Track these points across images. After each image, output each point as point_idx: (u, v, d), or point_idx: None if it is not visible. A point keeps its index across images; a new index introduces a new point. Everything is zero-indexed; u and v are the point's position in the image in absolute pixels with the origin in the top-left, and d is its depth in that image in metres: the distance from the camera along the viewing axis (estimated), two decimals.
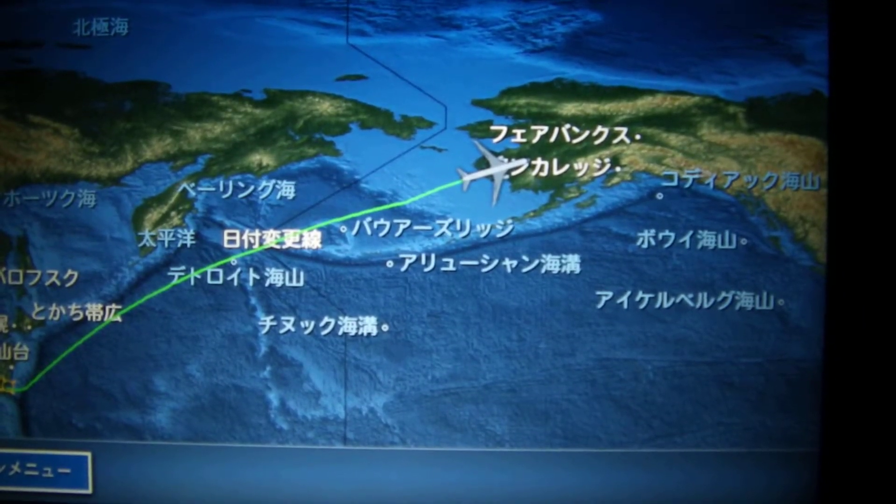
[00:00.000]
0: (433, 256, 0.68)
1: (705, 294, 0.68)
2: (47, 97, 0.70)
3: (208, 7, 0.69)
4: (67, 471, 0.70)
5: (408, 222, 0.68)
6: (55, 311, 0.70)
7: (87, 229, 0.69)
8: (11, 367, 0.70)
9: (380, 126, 0.68)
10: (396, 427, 0.69)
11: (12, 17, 0.70)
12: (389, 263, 0.68)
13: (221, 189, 0.69)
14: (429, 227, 0.68)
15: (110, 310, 0.69)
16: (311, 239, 0.68)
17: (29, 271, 0.70)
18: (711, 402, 0.69)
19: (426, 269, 0.68)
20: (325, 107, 0.68)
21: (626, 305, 0.68)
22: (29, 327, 0.70)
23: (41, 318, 0.70)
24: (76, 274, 0.69)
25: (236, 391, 0.69)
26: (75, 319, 0.69)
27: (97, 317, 0.69)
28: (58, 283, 0.69)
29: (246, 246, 0.69)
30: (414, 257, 0.68)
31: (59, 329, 0.70)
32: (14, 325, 0.70)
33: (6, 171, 0.70)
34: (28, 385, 0.70)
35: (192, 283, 0.69)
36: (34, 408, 0.70)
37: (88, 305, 0.69)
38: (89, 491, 0.70)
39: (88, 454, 0.70)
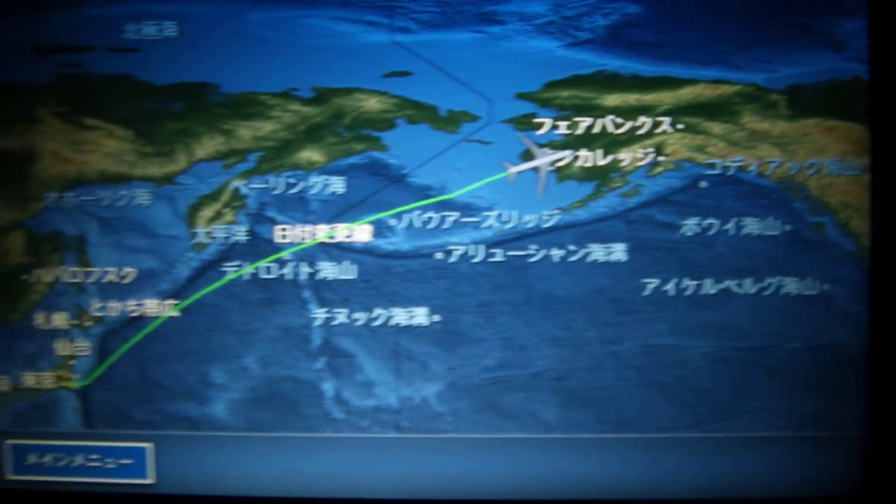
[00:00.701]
0: (481, 248, 0.72)
1: (750, 280, 0.71)
2: (100, 100, 0.74)
3: (254, 8, 0.73)
4: (130, 461, 0.74)
5: (456, 214, 0.72)
6: (114, 308, 0.74)
7: (142, 227, 0.74)
8: (73, 362, 0.75)
9: (426, 121, 0.72)
10: (448, 415, 0.73)
11: (63, 23, 0.74)
12: (438, 255, 0.72)
13: (272, 186, 0.73)
14: (476, 219, 0.72)
15: (167, 305, 0.74)
16: (361, 233, 0.73)
17: (88, 269, 0.74)
18: (757, 386, 0.72)
19: (475, 261, 0.72)
20: (372, 103, 0.72)
21: (671, 293, 0.72)
22: (89, 323, 0.75)
23: (101, 314, 0.75)
24: (133, 271, 0.74)
25: (291, 382, 0.73)
26: (134, 315, 0.74)
27: (155, 312, 0.74)
28: (116, 280, 0.74)
29: (298, 241, 0.73)
30: (462, 249, 0.72)
31: (118, 324, 0.75)
32: (75, 322, 0.75)
33: (63, 172, 0.74)
34: (90, 379, 0.75)
35: (246, 277, 0.73)
36: (96, 401, 0.75)
37: (146, 301, 0.74)
38: (152, 480, 0.75)
39: (151, 445, 0.74)
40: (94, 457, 0.75)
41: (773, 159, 0.71)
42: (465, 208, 0.72)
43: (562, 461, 0.72)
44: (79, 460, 0.75)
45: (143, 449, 0.75)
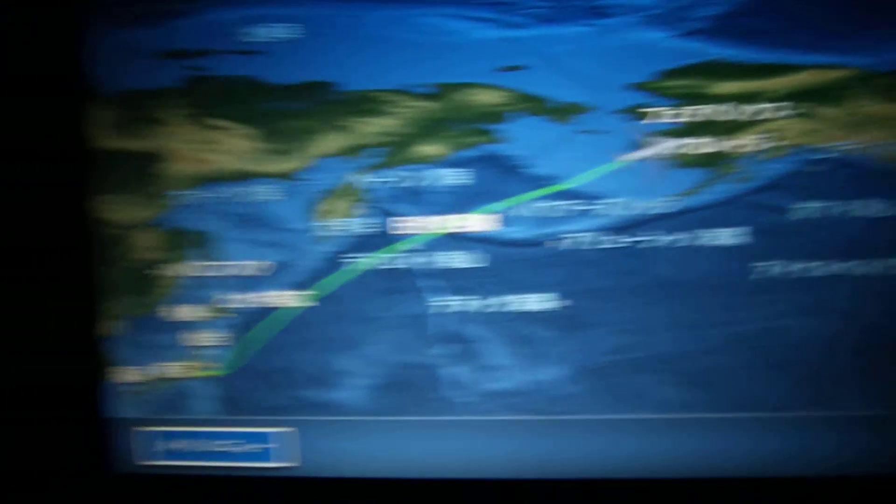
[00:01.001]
0: (598, 235, 0.75)
1: (862, 262, 0.73)
2: (225, 101, 0.79)
3: (371, 8, 0.76)
4: (276, 445, 0.80)
5: (572, 203, 0.75)
6: (249, 299, 0.79)
7: (271, 222, 0.78)
8: (215, 352, 0.80)
9: (539, 113, 0.75)
10: (571, 397, 0.76)
11: (188, 28, 0.79)
12: (556, 243, 0.76)
13: (393, 179, 0.77)
14: (592, 207, 0.75)
15: (300, 296, 0.78)
16: (480, 222, 0.76)
17: (223, 263, 0.79)
18: (870, 367, 0.74)
19: (592, 247, 0.75)
20: (487, 97, 0.76)
21: (785, 275, 0.74)
22: (227, 315, 0.80)
23: (238, 305, 0.80)
24: (265, 264, 0.79)
25: (420, 368, 0.78)
26: (268, 306, 0.79)
27: (287, 303, 0.79)
28: (250, 272, 0.79)
29: (419, 232, 0.77)
30: (579, 236, 0.75)
31: (254, 315, 0.80)
32: (214, 314, 0.80)
33: (194, 171, 0.79)
34: (232, 368, 0.80)
35: (373, 268, 0.77)
36: (239, 389, 0.80)
37: (278, 293, 0.79)
38: (298, 463, 0.80)
39: (294, 430, 0.79)
40: (241, 442, 0.80)
41: (885, 142, 0.73)
42: (582, 197, 0.75)
43: (680, 440, 0.76)
44: (226, 446, 0.80)
45: (289, 434, 0.79)
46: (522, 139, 0.76)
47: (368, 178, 0.77)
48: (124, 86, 0.80)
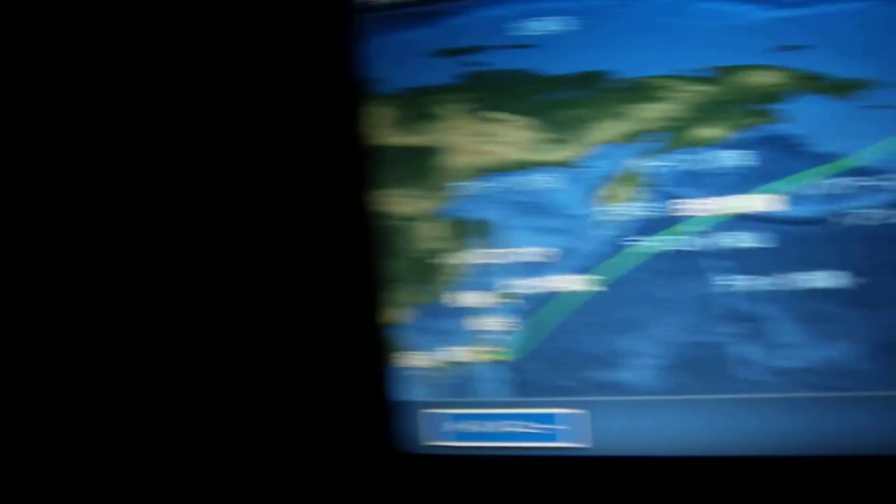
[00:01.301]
0: (888, 210, 0.75)
1: None
2: (503, 94, 0.83)
3: None
4: (565, 427, 0.84)
5: (859, 179, 0.76)
6: (534, 285, 0.84)
7: (552, 209, 0.82)
8: (502, 336, 0.84)
9: (820, 91, 0.76)
10: (870, 374, 0.77)
11: (461, 26, 0.84)
12: (844, 220, 0.76)
13: (674, 163, 0.79)
14: (881, 183, 0.75)
15: (583, 280, 0.82)
16: (764, 202, 0.78)
17: (506, 250, 0.84)
18: None
19: (882, 223, 0.75)
20: (765, 78, 0.77)
21: None
22: (512, 301, 0.84)
23: (523, 291, 0.84)
24: (548, 250, 0.83)
25: (709, 347, 0.80)
26: (553, 291, 0.83)
27: (572, 287, 0.83)
28: (533, 259, 0.83)
29: (702, 214, 0.79)
30: (868, 212, 0.76)
31: (539, 300, 0.84)
32: (499, 300, 0.84)
33: (473, 163, 0.84)
34: (520, 352, 0.85)
35: (656, 251, 0.80)
36: (530, 372, 0.85)
37: (563, 277, 0.83)
38: (589, 444, 0.84)
39: (586, 412, 0.83)
40: (533, 423, 0.85)
41: None
42: (870, 172, 0.75)
43: None
44: (517, 427, 0.85)
45: (581, 416, 0.83)
46: (804, 118, 0.77)
47: (649, 163, 0.80)
48: (403, 84, 0.85)
